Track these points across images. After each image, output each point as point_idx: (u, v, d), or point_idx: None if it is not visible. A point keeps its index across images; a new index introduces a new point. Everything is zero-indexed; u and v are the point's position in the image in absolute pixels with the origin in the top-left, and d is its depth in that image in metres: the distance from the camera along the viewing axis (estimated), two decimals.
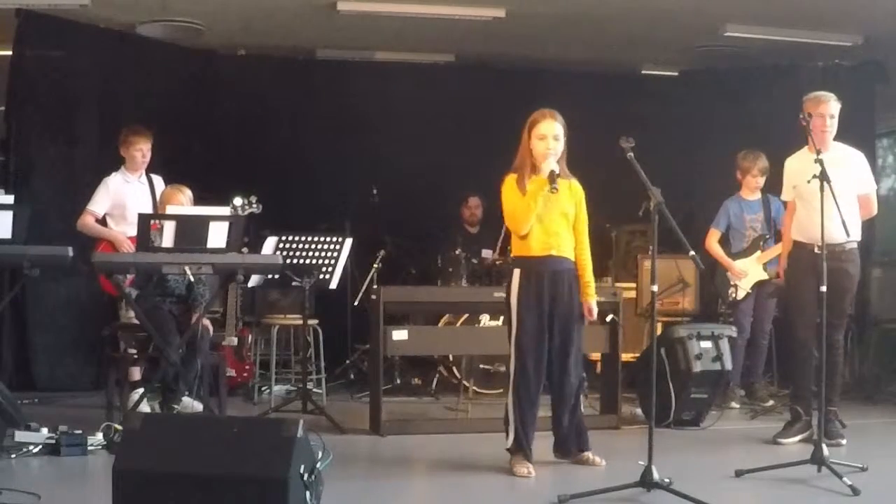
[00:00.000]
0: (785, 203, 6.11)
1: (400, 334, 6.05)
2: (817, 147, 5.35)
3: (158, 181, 6.73)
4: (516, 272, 5.01)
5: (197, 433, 3.82)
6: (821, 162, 5.07)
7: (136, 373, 6.44)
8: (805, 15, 7.56)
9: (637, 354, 7.12)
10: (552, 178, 4.85)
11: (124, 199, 6.54)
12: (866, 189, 5.80)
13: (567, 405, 5.13)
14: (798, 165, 5.79)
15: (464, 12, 7.55)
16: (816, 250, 5.44)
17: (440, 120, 8.68)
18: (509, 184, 5.03)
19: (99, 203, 6.58)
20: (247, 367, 7.58)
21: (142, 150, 6.64)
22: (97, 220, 6.59)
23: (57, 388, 7.35)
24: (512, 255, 5.12)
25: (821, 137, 5.54)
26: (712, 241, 7.27)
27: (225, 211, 5.67)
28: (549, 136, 4.96)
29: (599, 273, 8.12)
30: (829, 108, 5.64)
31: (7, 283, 7.05)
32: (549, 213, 4.99)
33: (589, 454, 5.18)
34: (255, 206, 6.58)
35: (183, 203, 6.11)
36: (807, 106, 5.63)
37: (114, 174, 6.69)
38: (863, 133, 7.98)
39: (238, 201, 6.52)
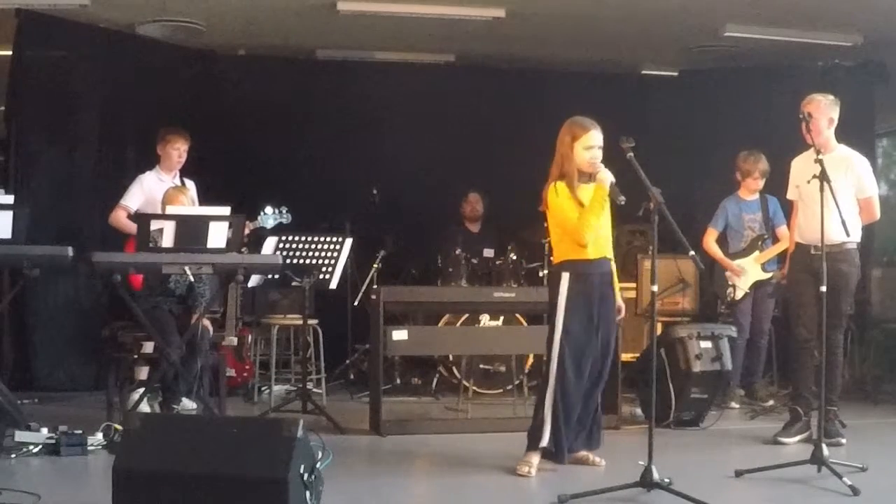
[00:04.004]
0: (790, 203, 6.10)
1: (400, 334, 6.06)
2: (816, 147, 5.34)
3: (191, 185, 6.75)
4: (565, 275, 4.98)
5: (197, 433, 3.82)
6: (821, 162, 5.06)
7: (143, 372, 6.45)
8: (805, 15, 7.56)
9: (637, 354, 7.12)
10: (616, 191, 4.85)
11: (157, 196, 6.53)
12: (868, 193, 5.77)
13: (593, 406, 5.19)
14: (801, 166, 5.79)
15: (464, 12, 7.55)
16: (813, 251, 5.45)
17: (440, 120, 8.68)
18: (563, 193, 4.98)
19: (132, 198, 6.60)
20: (247, 367, 7.58)
21: (179, 149, 6.70)
22: (129, 216, 6.60)
23: (57, 388, 7.35)
24: (559, 258, 5.05)
25: (809, 137, 5.51)
26: (710, 241, 7.26)
27: (225, 211, 5.66)
28: (595, 146, 4.99)
29: None
30: (814, 106, 5.61)
31: (7, 283, 7.05)
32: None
33: (589, 454, 5.20)
34: (285, 215, 6.65)
35: (185, 204, 6.11)
36: (802, 105, 5.64)
37: (148, 172, 6.73)
38: (863, 133, 7.99)
39: (269, 210, 6.59)
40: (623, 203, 4.83)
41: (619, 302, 5.23)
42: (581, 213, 4.94)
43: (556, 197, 4.98)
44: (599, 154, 5.00)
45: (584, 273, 4.99)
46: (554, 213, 5.02)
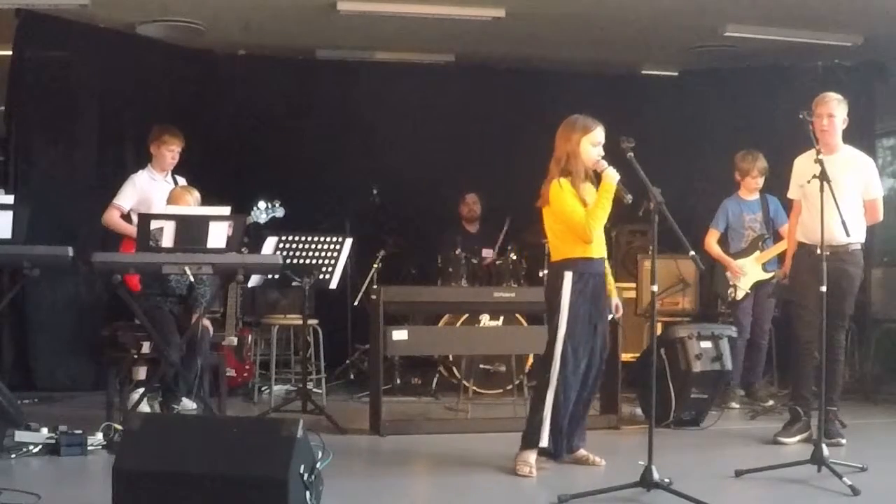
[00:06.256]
0: (790, 202, 6.10)
1: (400, 334, 6.06)
2: (817, 147, 5.35)
3: (182, 182, 6.74)
4: (568, 274, 4.95)
5: (197, 433, 3.83)
6: (821, 162, 5.06)
7: (141, 372, 6.45)
8: (805, 15, 7.56)
9: (637, 354, 7.13)
10: (623, 189, 4.89)
11: (150, 195, 6.53)
12: (873, 194, 5.77)
13: (589, 406, 5.22)
14: (804, 165, 5.78)
15: (464, 12, 7.55)
16: (818, 251, 5.45)
17: (440, 120, 8.68)
18: (568, 189, 4.95)
19: (126, 198, 6.59)
20: (247, 367, 7.58)
21: (173, 150, 6.70)
22: (122, 216, 6.60)
23: (57, 388, 7.35)
24: (560, 256, 5.01)
25: (818, 137, 5.51)
26: (711, 242, 7.27)
27: (225, 211, 5.66)
28: (601, 143, 5.00)
29: None
30: (826, 108, 5.62)
31: (7, 283, 7.05)
32: None
33: (589, 454, 5.20)
34: (278, 209, 6.64)
35: (191, 204, 6.11)
36: (813, 105, 5.64)
37: (140, 171, 6.73)
38: (863, 133, 7.98)
39: (262, 205, 6.58)
40: (630, 202, 4.84)
41: (617, 301, 5.24)
42: (589, 209, 4.94)
43: (561, 192, 4.95)
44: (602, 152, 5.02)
45: (587, 272, 4.99)
46: (559, 208, 4.97)
